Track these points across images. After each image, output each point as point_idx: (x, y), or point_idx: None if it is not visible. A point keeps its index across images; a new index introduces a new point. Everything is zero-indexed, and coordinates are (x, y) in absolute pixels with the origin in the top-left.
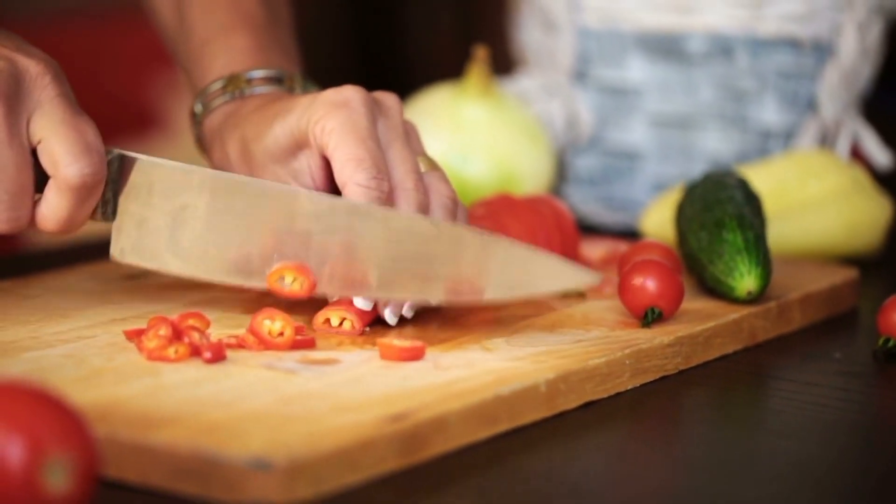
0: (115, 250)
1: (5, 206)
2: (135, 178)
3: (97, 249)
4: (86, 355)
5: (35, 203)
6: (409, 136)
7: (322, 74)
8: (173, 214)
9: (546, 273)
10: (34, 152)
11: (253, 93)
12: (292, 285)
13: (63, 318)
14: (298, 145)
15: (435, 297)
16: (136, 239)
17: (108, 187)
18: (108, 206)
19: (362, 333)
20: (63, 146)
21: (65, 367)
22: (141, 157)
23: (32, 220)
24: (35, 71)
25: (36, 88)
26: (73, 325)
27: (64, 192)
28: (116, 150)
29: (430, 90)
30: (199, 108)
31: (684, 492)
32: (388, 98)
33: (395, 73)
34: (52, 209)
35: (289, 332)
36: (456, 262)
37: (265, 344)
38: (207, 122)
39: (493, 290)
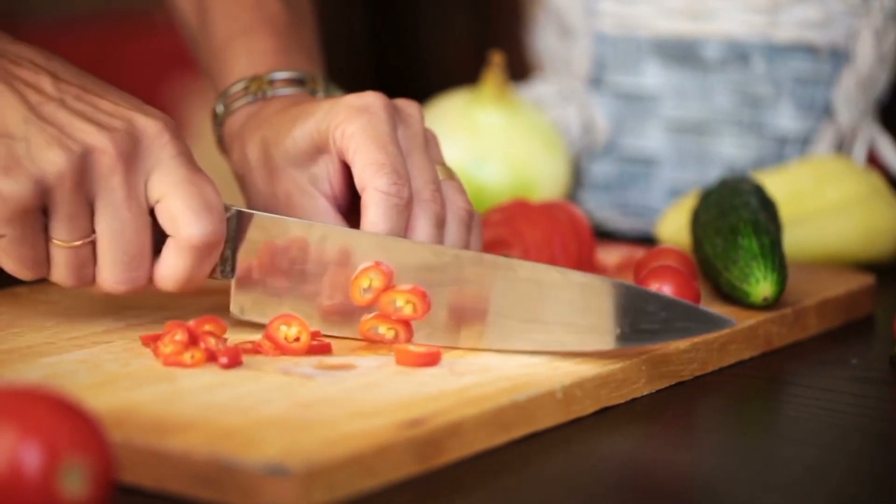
0: (234, 308)
1: (123, 268)
2: (252, 233)
3: None
4: (102, 361)
5: (153, 262)
6: (429, 144)
7: (337, 80)
8: (294, 271)
9: (683, 320)
10: (152, 212)
11: (275, 94)
12: (404, 308)
13: (79, 323)
14: (318, 150)
15: (560, 345)
16: (257, 297)
17: (227, 244)
18: (226, 264)
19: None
20: (184, 205)
21: (81, 372)
22: (258, 214)
23: (151, 280)
24: (153, 130)
25: (155, 148)
26: (89, 330)
27: (184, 252)
28: (234, 207)
29: (445, 96)
30: (220, 108)
31: (700, 498)
32: (409, 106)
33: (410, 78)
34: (172, 269)
35: (305, 338)
36: (586, 311)
37: (281, 349)
38: (229, 122)
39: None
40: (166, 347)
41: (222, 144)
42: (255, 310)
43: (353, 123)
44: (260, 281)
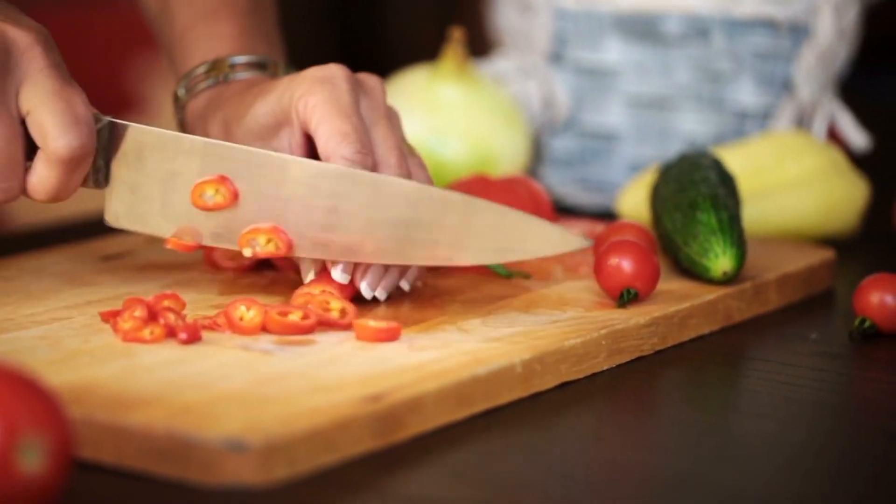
0: (108, 215)
1: None
2: (126, 144)
3: (73, 231)
4: (61, 337)
5: (26, 172)
6: (391, 119)
7: (300, 56)
8: (165, 180)
9: (535, 237)
10: (24, 122)
11: (236, 78)
12: (266, 246)
13: (38, 299)
14: (279, 123)
15: (419, 260)
16: (130, 204)
17: (100, 155)
18: (99, 174)
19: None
20: (52, 118)
21: (40, 348)
22: (132, 125)
23: (24, 190)
24: (25, 41)
25: (25, 59)
26: (48, 306)
27: (53, 164)
28: (107, 118)
29: (406, 72)
30: (182, 92)
31: (660, 472)
32: (370, 79)
33: (374, 55)
34: (42, 180)
35: (258, 321)
36: (441, 225)
37: (234, 328)
38: (190, 106)
39: (480, 254)
40: (125, 323)
41: (184, 128)
42: (129, 218)
43: (316, 94)
44: (132, 190)
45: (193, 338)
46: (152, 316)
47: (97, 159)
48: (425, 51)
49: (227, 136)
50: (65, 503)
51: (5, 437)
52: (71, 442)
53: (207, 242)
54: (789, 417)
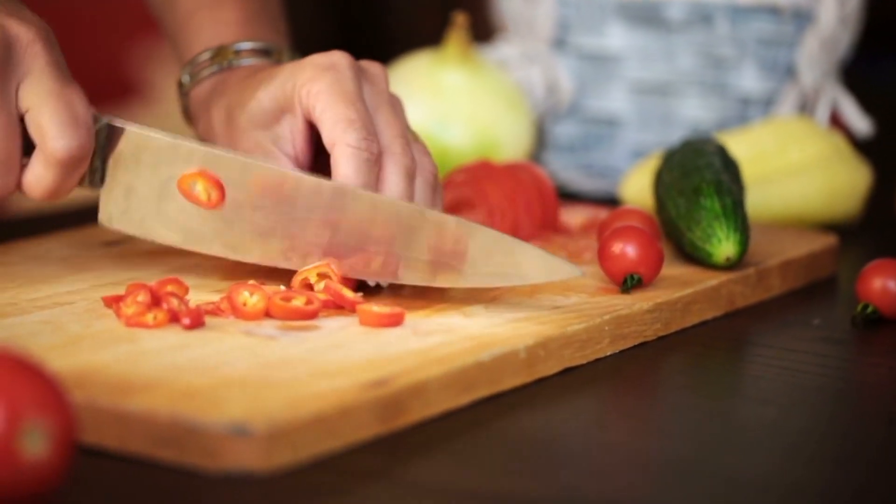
0: (103, 216)
1: None
2: (123, 146)
3: (76, 217)
4: (64, 322)
5: (22, 169)
6: (395, 106)
7: (301, 42)
8: (161, 184)
9: (529, 264)
10: (22, 119)
11: (241, 64)
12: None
13: (41, 284)
14: (282, 110)
15: (414, 280)
16: (124, 207)
17: (97, 155)
18: (96, 174)
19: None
20: (50, 118)
21: (43, 333)
22: (130, 127)
23: (19, 187)
24: (26, 37)
25: (26, 55)
26: (50, 291)
27: (50, 164)
28: (105, 119)
29: (410, 57)
30: (186, 78)
31: (663, 457)
32: (373, 66)
33: (377, 40)
34: (39, 179)
35: (261, 303)
36: (439, 248)
37: (237, 313)
38: (194, 93)
39: (474, 278)
40: (128, 308)
41: (188, 114)
42: (123, 220)
43: (320, 82)
44: (128, 192)
45: (196, 323)
46: (155, 301)
47: (94, 160)
48: (428, 36)
49: (230, 122)
50: (67, 488)
51: (8, 422)
52: (74, 427)
53: (216, 253)
54: (792, 403)
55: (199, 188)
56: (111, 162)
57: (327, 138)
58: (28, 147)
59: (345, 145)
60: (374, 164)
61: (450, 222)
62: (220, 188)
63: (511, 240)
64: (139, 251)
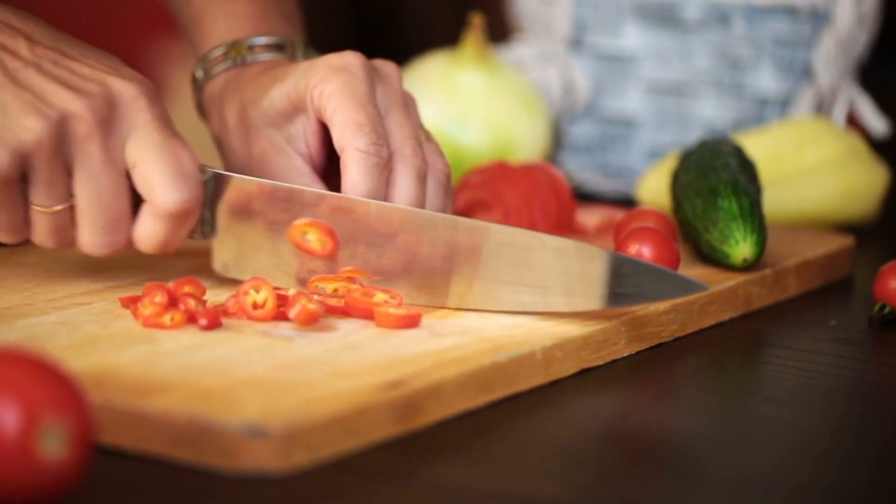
0: (217, 265)
1: (103, 232)
2: (230, 195)
3: None
4: (81, 322)
5: (131, 224)
6: (408, 106)
7: (317, 41)
8: (271, 230)
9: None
10: (129, 175)
11: (255, 60)
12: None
13: (58, 285)
14: (295, 109)
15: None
16: (237, 254)
17: (206, 206)
18: (206, 225)
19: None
20: (158, 173)
21: (60, 333)
22: (235, 176)
23: (131, 242)
24: (130, 94)
25: (131, 112)
26: (68, 291)
27: (160, 218)
28: (211, 170)
29: (425, 58)
30: (200, 73)
31: (679, 458)
32: (387, 66)
33: (391, 40)
34: (149, 233)
35: (270, 304)
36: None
37: (246, 315)
38: (208, 87)
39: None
40: (146, 309)
41: (202, 109)
42: (238, 268)
43: (332, 83)
44: (240, 240)
45: (214, 324)
46: (172, 302)
47: (204, 211)
48: (444, 37)
49: (243, 119)
50: (84, 488)
51: (26, 422)
52: (91, 427)
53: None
54: (808, 403)
55: (312, 238)
56: (220, 211)
57: (337, 141)
58: (137, 201)
59: (354, 149)
60: (384, 168)
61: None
62: (333, 235)
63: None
64: None
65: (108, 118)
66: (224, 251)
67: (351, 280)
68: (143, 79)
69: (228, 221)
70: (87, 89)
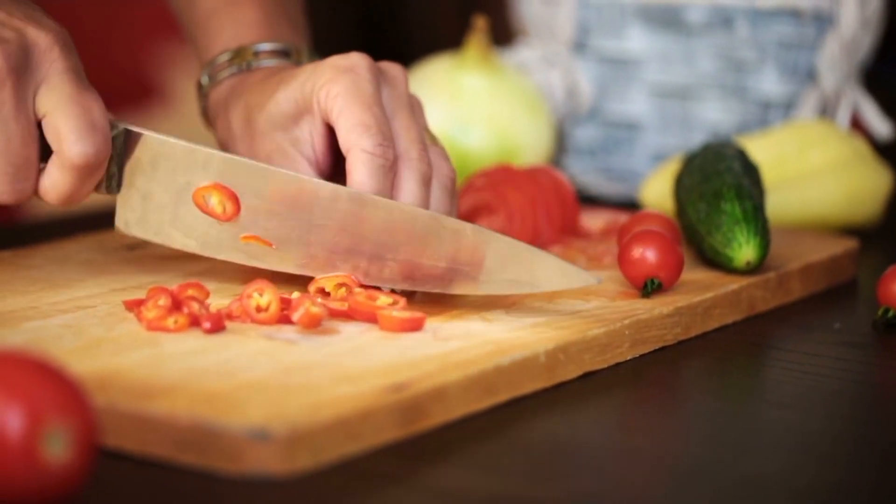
0: (119, 222)
1: (10, 178)
2: (140, 153)
3: (97, 220)
4: (85, 325)
5: (39, 174)
6: (414, 108)
7: (321, 44)
8: (177, 191)
9: (547, 272)
10: (39, 125)
11: (260, 65)
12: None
13: (62, 288)
14: (301, 111)
15: (429, 287)
16: (141, 212)
17: (114, 161)
18: (112, 180)
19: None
20: (67, 124)
21: (64, 337)
22: (146, 133)
23: (36, 192)
24: (44, 43)
25: (44, 61)
26: (72, 295)
27: (67, 169)
28: (122, 125)
29: (429, 61)
30: (205, 79)
31: (683, 461)
32: (393, 68)
33: (396, 43)
34: (56, 184)
35: (274, 307)
36: (455, 256)
37: (250, 318)
38: (213, 93)
39: (491, 286)
40: (149, 312)
41: (207, 115)
42: (140, 226)
43: (338, 84)
44: (144, 198)
45: (217, 327)
46: (176, 305)
47: (111, 166)
48: (448, 40)
49: (249, 124)
50: (88, 491)
51: (30, 425)
52: (95, 430)
53: (231, 259)
54: (812, 406)
55: (214, 201)
56: (128, 168)
57: (343, 143)
58: (45, 152)
59: (360, 150)
60: (389, 170)
61: (466, 229)
62: (235, 200)
63: (527, 248)
64: (160, 255)
65: (22, 66)
66: (128, 209)
67: (351, 281)
68: (59, 28)
69: (134, 178)
70: (3, 35)
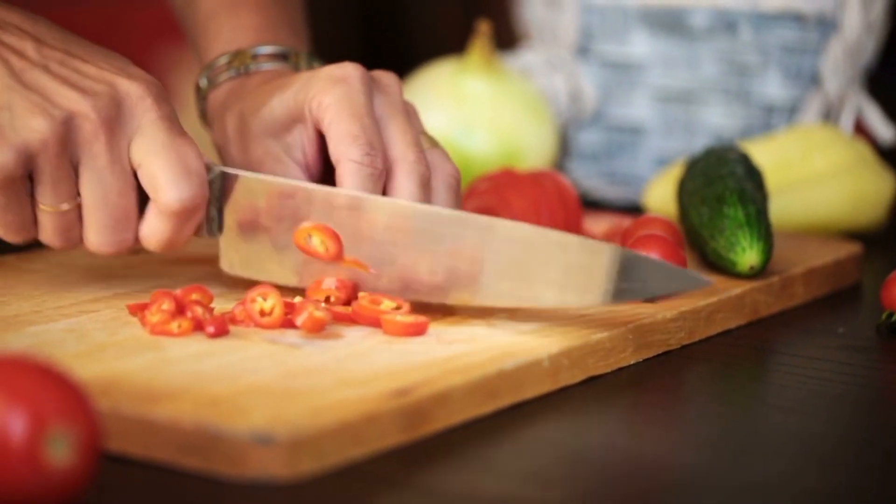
0: (224, 264)
1: (110, 231)
2: (238, 194)
3: None
4: (88, 329)
5: (138, 223)
6: (409, 114)
7: (323, 50)
8: (278, 231)
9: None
10: (136, 174)
11: (258, 69)
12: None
13: (66, 292)
14: (293, 119)
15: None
16: (245, 253)
17: (212, 204)
18: (213, 223)
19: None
20: (162, 170)
21: (67, 341)
22: (243, 174)
23: (138, 240)
24: (136, 94)
25: (137, 112)
26: (75, 299)
27: (165, 216)
28: (218, 168)
29: (433, 65)
30: (203, 82)
31: (687, 467)
32: (386, 76)
33: (398, 48)
34: (155, 231)
35: (278, 311)
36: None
37: (254, 322)
38: (212, 96)
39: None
40: (153, 316)
41: (205, 118)
42: (244, 266)
43: (330, 94)
44: (246, 238)
45: (221, 331)
46: (180, 309)
47: (210, 209)
48: (451, 44)
49: (243, 128)
50: (92, 495)
51: (33, 429)
52: (98, 434)
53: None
54: (815, 411)
55: (316, 241)
56: (227, 210)
57: (333, 153)
58: (143, 201)
59: (347, 160)
60: (378, 179)
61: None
62: (337, 239)
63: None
64: (163, 259)
65: (114, 118)
66: (231, 250)
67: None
68: (150, 78)
69: (235, 220)
70: (94, 89)
